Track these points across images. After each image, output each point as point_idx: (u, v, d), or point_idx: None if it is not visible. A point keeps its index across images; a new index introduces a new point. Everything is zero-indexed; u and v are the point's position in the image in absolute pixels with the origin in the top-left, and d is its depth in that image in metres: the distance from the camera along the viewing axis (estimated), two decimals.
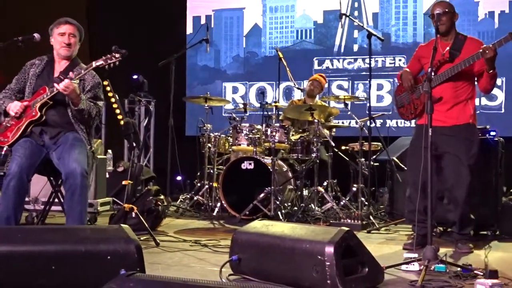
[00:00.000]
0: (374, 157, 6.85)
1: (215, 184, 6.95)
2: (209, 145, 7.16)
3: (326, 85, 8.03)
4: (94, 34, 9.36)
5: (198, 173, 7.62)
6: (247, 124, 6.78)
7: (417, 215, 4.24)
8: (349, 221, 5.74)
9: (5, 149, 4.40)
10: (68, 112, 4.39)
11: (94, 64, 4.28)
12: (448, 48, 4.60)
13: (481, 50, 4.27)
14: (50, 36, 4.57)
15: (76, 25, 4.55)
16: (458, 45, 4.60)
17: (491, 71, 4.41)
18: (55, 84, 4.25)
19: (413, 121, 5.19)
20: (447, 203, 4.72)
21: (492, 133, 5.28)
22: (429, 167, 3.78)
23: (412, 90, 4.74)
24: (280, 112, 7.19)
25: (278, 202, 6.06)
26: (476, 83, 4.70)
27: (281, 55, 7.30)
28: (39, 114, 4.32)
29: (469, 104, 4.67)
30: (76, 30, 4.53)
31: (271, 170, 6.14)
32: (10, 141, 4.34)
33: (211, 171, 7.19)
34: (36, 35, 4.54)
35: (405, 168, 5.53)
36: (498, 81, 8.12)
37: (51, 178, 4.68)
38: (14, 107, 4.35)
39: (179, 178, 8.22)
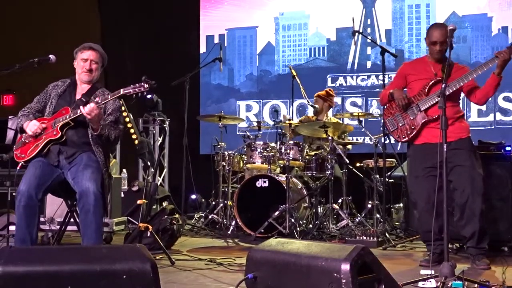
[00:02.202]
0: (389, 173, 6.82)
1: (229, 203, 6.95)
2: (224, 163, 7.17)
3: (340, 102, 8.01)
4: (108, 53, 9.42)
5: (213, 192, 7.64)
6: (261, 142, 6.80)
7: (433, 235, 4.29)
8: (364, 238, 5.71)
9: (20, 164, 4.43)
10: (88, 133, 4.41)
11: (122, 91, 4.27)
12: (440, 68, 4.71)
13: (495, 55, 4.44)
14: (74, 59, 4.63)
15: (100, 51, 4.63)
16: (449, 67, 4.61)
17: (501, 75, 4.53)
18: (81, 107, 4.26)
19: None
20: (459, 219, 4.66)
21: (508, 148, 5.25)
22: (444, 183, 3.78)
23: (406, 109, 4.73)
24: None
25: (293, 220, 6.04)
26: (469, 95, 4.80)
27: (294, 73, 7.31)
28: (60, 134, 4.34)
29: (465, 119, 4.88)
30: (99, 57, 4.60)
31: (285, 187, 6.13)
32: (27, 158, 4.37)
33: (226, 189, 7.20)
34: (51, 56, 4.57)
35: None
36: None
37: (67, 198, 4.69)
38: (33, 126, 4.36)
39: (193, 196, 8.23)
